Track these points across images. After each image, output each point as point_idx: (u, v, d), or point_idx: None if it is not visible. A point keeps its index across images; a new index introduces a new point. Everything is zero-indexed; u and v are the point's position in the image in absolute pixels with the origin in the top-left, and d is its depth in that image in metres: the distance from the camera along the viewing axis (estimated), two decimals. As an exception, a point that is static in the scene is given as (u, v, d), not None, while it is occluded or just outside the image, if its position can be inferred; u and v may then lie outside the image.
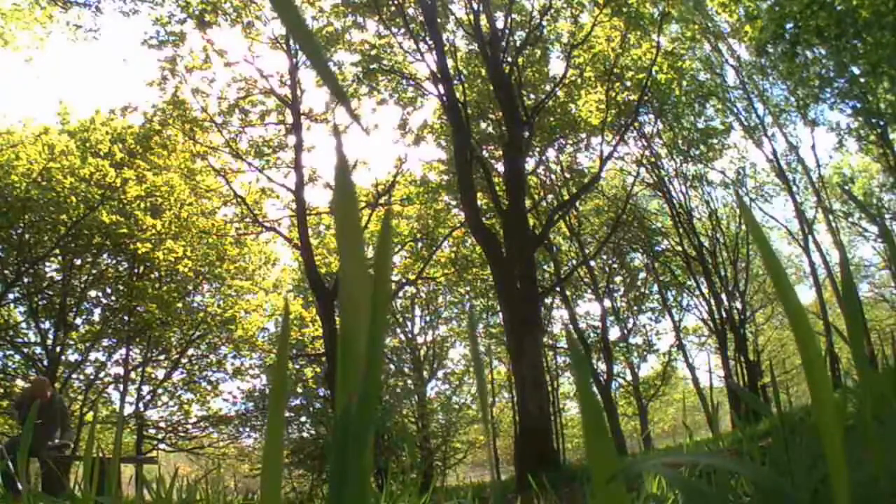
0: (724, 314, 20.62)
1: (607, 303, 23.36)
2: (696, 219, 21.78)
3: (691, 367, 24.44)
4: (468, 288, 21.90)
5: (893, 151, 18.78)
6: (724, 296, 20.76)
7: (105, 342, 18.04)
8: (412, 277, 19.55)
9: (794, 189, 20.88)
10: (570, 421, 27.15)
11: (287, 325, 0.35)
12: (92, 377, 18.03)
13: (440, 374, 24.40)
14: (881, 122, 17.77)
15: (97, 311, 17.99)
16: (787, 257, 29.07)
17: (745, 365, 20.47)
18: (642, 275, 24.56)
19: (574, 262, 21.57)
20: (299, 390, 17.94)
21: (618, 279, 24.70)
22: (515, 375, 12.76)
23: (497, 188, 14.03)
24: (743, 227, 21.53)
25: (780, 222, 23.79)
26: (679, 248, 21.48)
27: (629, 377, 25.33)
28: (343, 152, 0.32)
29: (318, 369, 19.33)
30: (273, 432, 0.33)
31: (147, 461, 9.65)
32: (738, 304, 21.37)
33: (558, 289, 20.49)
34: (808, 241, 20.97)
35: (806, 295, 26.19)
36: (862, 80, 15.29)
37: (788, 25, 10.52)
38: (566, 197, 18.50)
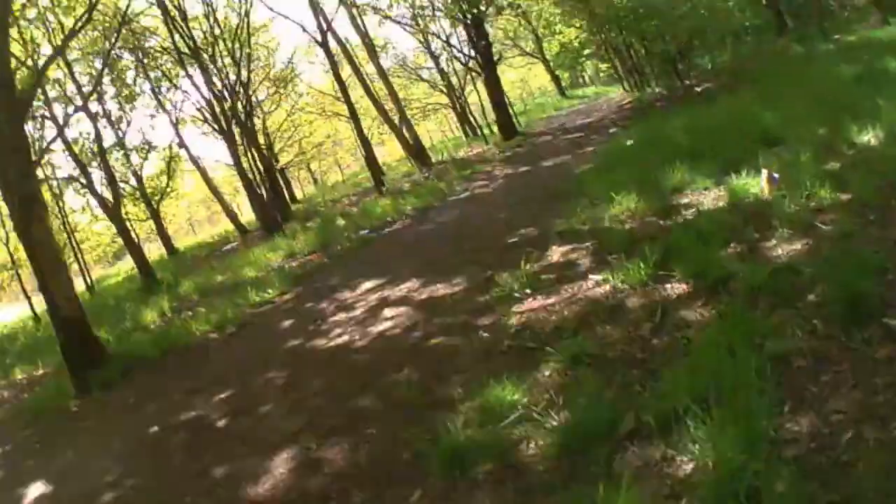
0: (227, 111, 20.10)
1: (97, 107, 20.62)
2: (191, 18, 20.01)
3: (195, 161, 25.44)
4: None
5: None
6: (225, 92, 20.30)
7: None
8: None
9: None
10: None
11: None
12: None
13: None
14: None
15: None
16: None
17: (257, 151, 20.59)
18: (132, 73, 22.15)
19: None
20: None
21: (107, 80, 21.66)
22: None
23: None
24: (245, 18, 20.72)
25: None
26: (170, 45, 19.69)
27: (134, 182, 23.84)
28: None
29: None
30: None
31: None
32: (243, 97, 21.11)
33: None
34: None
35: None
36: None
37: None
38: None
